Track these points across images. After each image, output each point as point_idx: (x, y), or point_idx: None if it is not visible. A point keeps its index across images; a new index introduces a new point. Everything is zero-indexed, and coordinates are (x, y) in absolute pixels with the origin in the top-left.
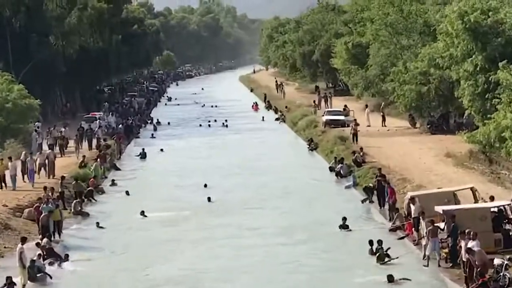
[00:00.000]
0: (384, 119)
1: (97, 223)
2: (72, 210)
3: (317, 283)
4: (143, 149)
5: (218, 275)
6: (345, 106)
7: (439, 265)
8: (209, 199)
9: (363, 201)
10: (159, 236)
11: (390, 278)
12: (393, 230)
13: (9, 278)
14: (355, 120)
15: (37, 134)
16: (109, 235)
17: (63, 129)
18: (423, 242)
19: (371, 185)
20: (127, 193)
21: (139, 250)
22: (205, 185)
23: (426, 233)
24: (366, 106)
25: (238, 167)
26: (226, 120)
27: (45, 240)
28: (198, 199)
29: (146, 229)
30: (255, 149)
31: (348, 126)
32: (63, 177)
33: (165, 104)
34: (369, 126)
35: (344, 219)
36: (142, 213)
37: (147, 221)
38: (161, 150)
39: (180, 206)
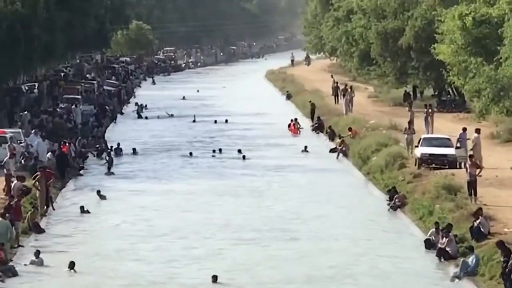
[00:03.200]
0: None
1: None
2: None
3: None
4: (99, 192)
5: None
6: (464, 129)
7: None
8: (214, 278)
9: None
10: None
11: None
12: None
13: None
14: (470, 156)
15: None
16: None
17: None
18: None
19: None
20: (71, 265)
21: None
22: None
23: None
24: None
25: (259, 230)
26: (240, 151)
27: None
28: (196, 279)
29: None
30: (291, 201)
31: (462, 166)
32: None
33: (137, 117)
34: None
35: None
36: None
37: None
38: (98, 192)
39: None
